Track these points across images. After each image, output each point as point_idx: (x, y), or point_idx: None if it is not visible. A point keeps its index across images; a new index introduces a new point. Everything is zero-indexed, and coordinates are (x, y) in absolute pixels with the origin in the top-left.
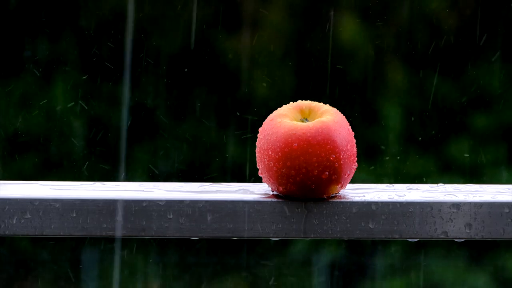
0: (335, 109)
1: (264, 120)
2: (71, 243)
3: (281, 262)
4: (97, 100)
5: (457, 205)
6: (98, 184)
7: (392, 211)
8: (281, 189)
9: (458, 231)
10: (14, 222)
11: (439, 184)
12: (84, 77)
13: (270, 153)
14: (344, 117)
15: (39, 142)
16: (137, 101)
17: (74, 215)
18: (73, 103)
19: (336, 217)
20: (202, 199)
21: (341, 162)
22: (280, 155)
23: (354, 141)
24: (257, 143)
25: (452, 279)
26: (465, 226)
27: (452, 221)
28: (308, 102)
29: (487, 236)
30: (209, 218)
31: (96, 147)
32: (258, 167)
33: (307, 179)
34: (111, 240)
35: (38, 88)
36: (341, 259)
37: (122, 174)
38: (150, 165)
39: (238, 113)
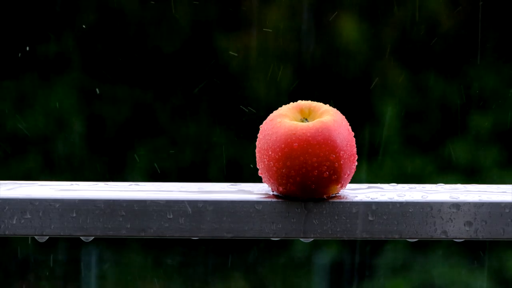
0: (335, 109)
1: (264, 120)
2: (71, 243)
3: (281, 262)
4: (97, 100)
5: (457, 205)
6: (98, 184)
7: (392, 211)
8: (281, 189)
9: (458, 231)
10: (14, 222)
11: (439, 184)
12: (85, 77)
13: (270, 153)
14: (344, 117)
15: (39, 142)
16: (137, 101)
17: (74, 215)
18: (73, 103)
19: (336, 217)
20: (202, 199)
21: (341, 162)
22: (280, 155)
23: (354, 141)
24: (257, 143)
25: (452, 279)
26: (465, 226)
27: (452, 221)
28: (308, 102)
29: (487, 236)
30: (209, 218)
31: (96, 147)
32: (258, 167)
33: (307, 179)
34: (111, 240)
35: (38, 87)
36: (341, 259)
37: (122, 174)
38: (150, 165)
39: (238, 113)
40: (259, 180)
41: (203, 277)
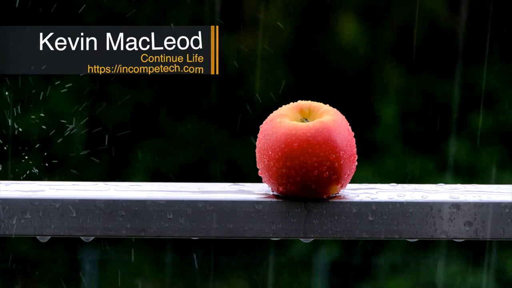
0: (335, 109)
1: (264, 120)
2: (71, 243)
3: (281, 262)
4: (97, 100)
5: (457, 205)
6: (98, 184)
7: (392, 211)
8: (281, 189)
9: (458, 231)
10: (14, 222)
11: (439, 184)
12: (85, 77)
13: (270, 153)
14: (344, 117)
15: (39, 142)
16: (137, 101)
17: (74, 215)
18: (73, 103)
19: (336, 217)
20: (202, 199)
21: (341, 162)
22: (280, 155)
23: (354, 141)
24: (257, 143)
25: (452, 279)
26: (465, 226)
27: (452, 221)
28: (308, 102)
29: (487, 236)
30: (209, 218)
31: (96, 147)
32: (258, 167)
33: (307, 179)
34: (111, 240)
35: (38, 87)
36: (341, 259)
37: (122, 174)
38: (150, 165)
39: (238, 113)
40: (259, 180)
41: (203, 277)
